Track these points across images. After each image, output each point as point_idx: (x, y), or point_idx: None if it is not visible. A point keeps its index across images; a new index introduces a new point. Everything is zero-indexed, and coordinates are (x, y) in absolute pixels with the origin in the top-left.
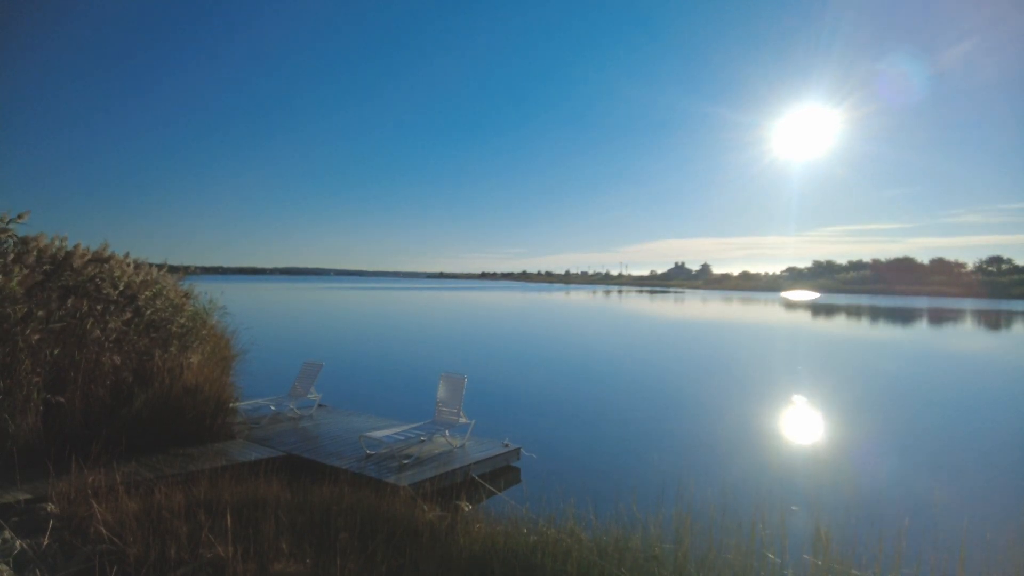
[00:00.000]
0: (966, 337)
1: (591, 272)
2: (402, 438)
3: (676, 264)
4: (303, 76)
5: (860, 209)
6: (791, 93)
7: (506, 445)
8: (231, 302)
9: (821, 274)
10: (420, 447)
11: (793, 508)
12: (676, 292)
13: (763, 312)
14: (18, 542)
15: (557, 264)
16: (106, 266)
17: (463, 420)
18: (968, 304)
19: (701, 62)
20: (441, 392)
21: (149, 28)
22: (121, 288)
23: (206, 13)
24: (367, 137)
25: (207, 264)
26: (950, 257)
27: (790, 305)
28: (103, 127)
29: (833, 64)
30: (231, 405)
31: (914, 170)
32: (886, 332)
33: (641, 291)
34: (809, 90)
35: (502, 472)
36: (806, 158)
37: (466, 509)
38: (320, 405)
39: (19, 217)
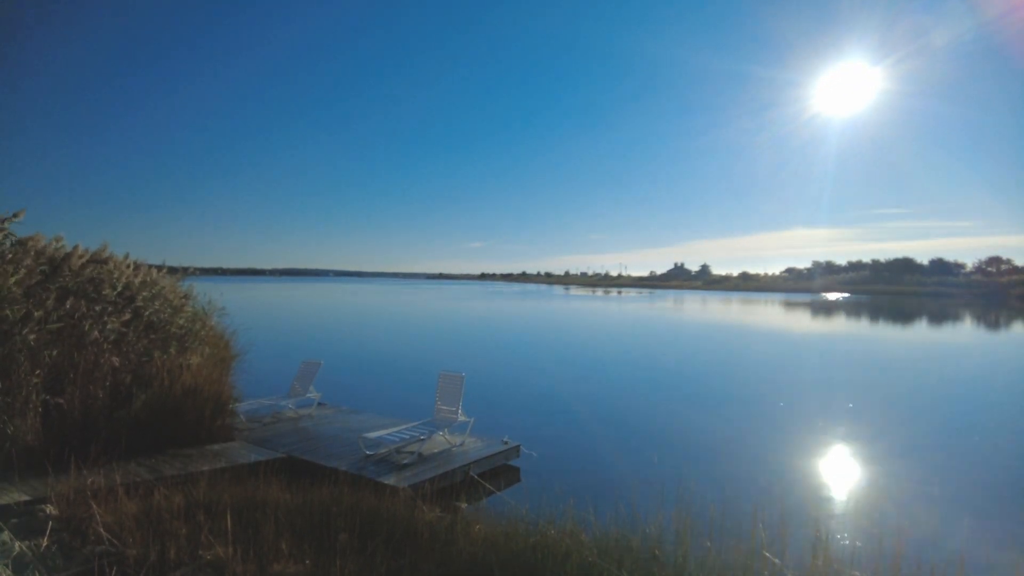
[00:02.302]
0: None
1: (591, 273)
2: (401, 438)
3: (676, 264)
4: (303, 80)
5: (902, 188)
6: (832, 47)
7: (505, 443)
8: (230, 303)
9: (820, 274)
10: (419, 446)
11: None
12: (683, 293)
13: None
14: (17, 544)
15: (557, 265)
16: (105, 267)
17: (462, 418)
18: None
19: (733, 16)
20: (440, 391)
21: (150, 35)
22: (120, 289)
23: (209, 22)
24: (367, 138)
25: (206, 265)
26: (962, 258)
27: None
28: (102, 128)
29: (879, 15)
30: (230, 406)
31: (965, 130)
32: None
33: (641, 292)
34: (852, 45)
35: (502, 470)
36: (846, 119)
37: (464, 508)
38: (320, 404)
39: (15, 216)
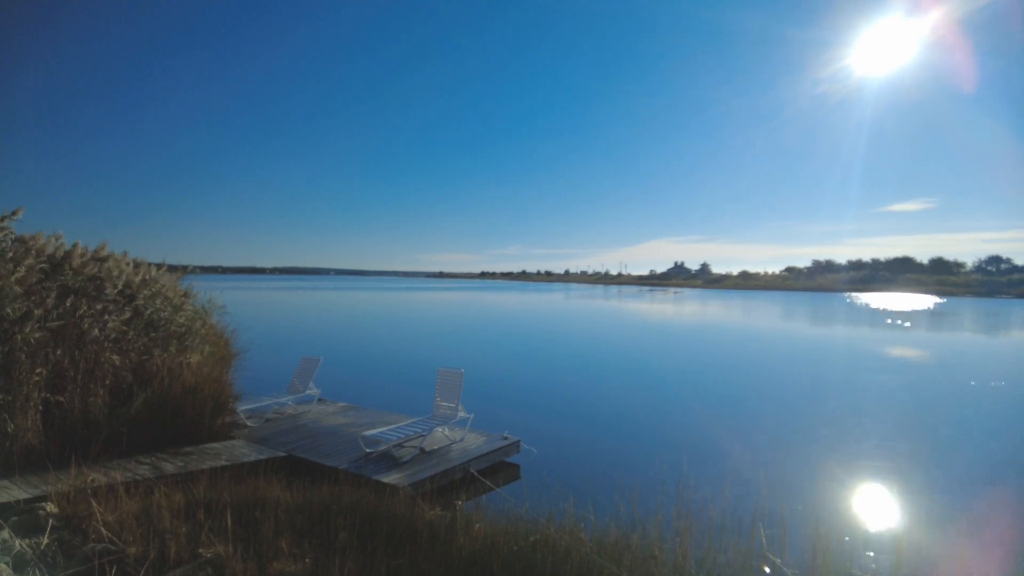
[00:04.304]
0: None
1: (591, 272)
2: (401, 435)
3: (676, 264)
4: (303, 81)
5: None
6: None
7: (505, 438)
8: (230, 302)
9: (820, 273)
10: (419, 442)
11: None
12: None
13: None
14: (17, 542)
15: (557, 265)
16: (105, 265)
17: (462, 414)
18: None
19: None
20: (439, 387)
21: (156, 39)
22: (120, 287)
23: (218, 27)
24: (368, 139)
25: (206, 264)
26: (950, 257)
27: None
28: (105, 130)
29: None
30: (230, 404)
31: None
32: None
33: (642, 289)
34: None
35: (502, 467)
36: (882, 79)
37: (464, 506)
38: (320, 400)
39: (13, 214)
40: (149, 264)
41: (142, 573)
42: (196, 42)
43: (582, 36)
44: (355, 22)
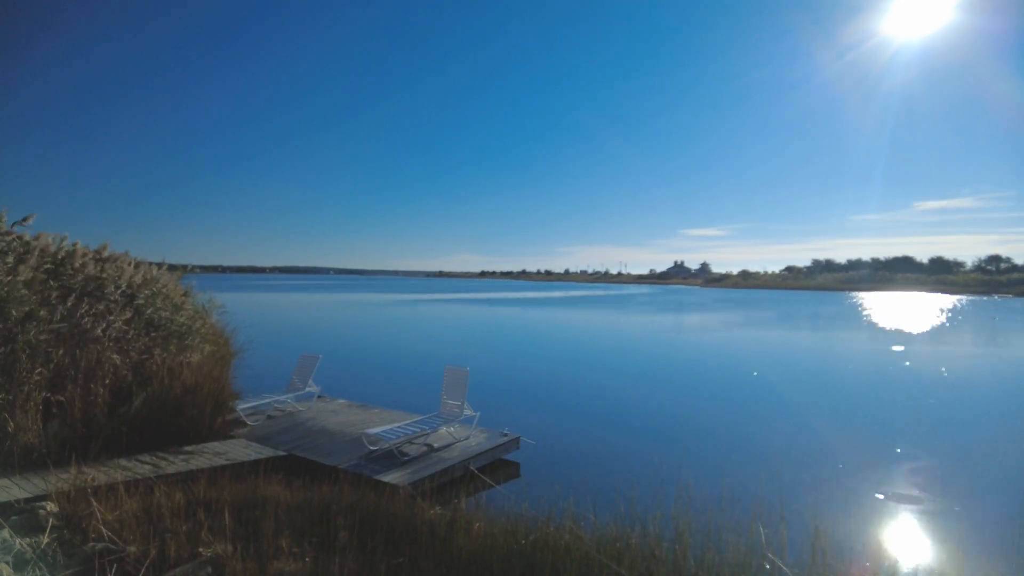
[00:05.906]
0: None
1: (591, 271)
2: (402, 433)
3: (676, 263)
4: (304, 89)
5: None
6: None
7: (505, 435)
8: (230, 300)
9: (819, 272)
10: (421, 441)
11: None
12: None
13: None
14: (17, 541)
15: (557, 264)
16: (107, 265)
17: (468, 412)
18: None
19: None
20: (445, 385)
21: (160, 45)
22: (122, 287)
23: (217, 35)
24: (368, 139)
25: (205, 263)
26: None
27: None
28: (108, 132)
29: None
30: (230, 403)
31: None
32: None
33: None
34: None
35: (502, 464)
36: (916, 44)
37: (465, 505)
38: (319, 397)
39: (24, 220)
40: (150, 264)
41: (142, 572)
42: (200, 49)
43: (583, 38)
44: (354, 33)
